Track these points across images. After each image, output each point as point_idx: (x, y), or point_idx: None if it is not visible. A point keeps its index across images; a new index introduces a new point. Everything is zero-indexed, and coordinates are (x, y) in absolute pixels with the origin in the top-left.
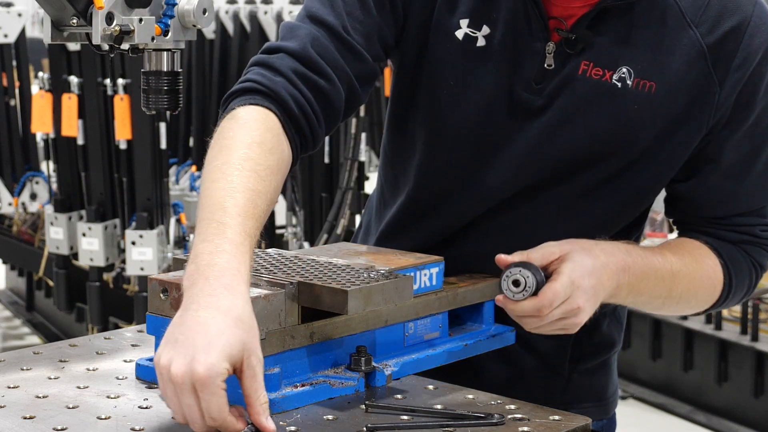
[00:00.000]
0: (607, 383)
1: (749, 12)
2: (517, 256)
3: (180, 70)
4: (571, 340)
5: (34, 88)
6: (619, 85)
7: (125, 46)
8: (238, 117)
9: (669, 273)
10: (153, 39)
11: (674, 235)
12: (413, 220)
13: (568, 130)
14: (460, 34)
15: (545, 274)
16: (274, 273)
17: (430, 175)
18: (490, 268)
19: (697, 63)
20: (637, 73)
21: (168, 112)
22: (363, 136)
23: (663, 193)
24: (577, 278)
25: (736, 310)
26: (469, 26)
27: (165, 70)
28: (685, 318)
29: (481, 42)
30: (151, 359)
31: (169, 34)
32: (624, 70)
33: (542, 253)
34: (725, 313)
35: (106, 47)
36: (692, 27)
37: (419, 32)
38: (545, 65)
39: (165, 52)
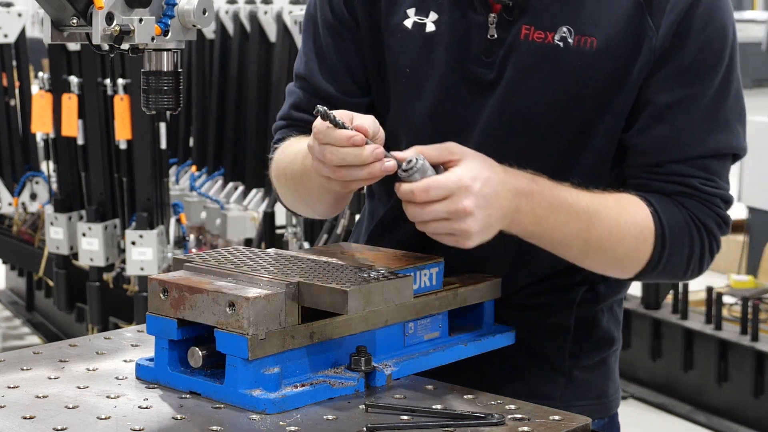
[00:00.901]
0: (607, 382)
1: None
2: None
3: (180, 70)
4: (570, 337)
5: (34, 88)
6: (562, 45)
7: (125, 46)
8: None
9: (584, 211)
10: (153, 39)
11: None
12: (401, 218)
13: (521, 97)
14: (408, 23)
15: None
16: (274, 273)
17: None
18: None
19: (634, 13)
20: (577, 31)
21: (168, 112)
22: None
23: None
24: (467, 179)
25: (736, 310)
26: (416, 14)
27: (165, 70)
28: (685, 318)
29: (430, 27)
30: (151, 359)
31: (169, 34)
32: (564, 29)
33: (440, 148)
34: (725, 312)
35: (106, 47)
36: None
37: (373, 34)
38: (488, 36)
39: (165, 52)
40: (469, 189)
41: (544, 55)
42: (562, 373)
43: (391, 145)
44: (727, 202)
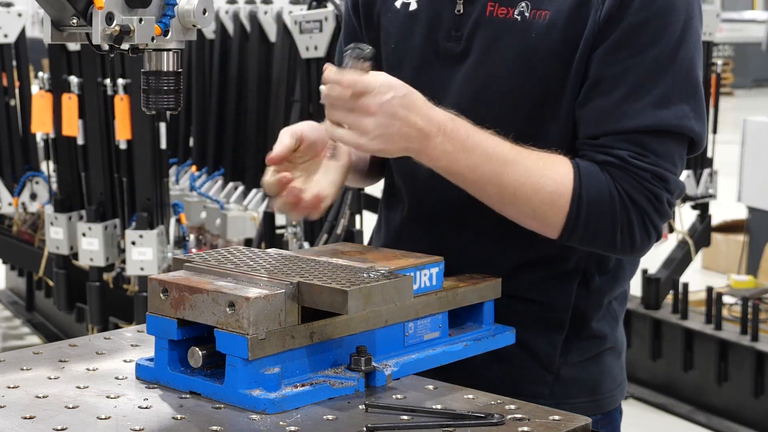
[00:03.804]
0: (601, 378)
1: None
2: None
3: (180, 70)
4: (564, 334)
5: (34, 88)
6: (519, 18)
7: (125, 46)
8: None
9: (499, 157)
10: (153, 39)
11: (674, 235)
12: (398, 197)
13: (486, 68)
14: (398, 4)
15: None
16: (274, 273)
17: None
18: (447, 215)
19: None
20: (533, 5)
21: (168, 112)
22: None
23: None
24: (385, 86)
25: (736, 310)
26: None
27: (165, 70)
28: (685, 318)
29: (413, 6)
30: (151, 359)
31: (169, 34)
32: (523, 4)
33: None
34: (725, 312)
35: (106, 47)
36: None
37: (372, 18)
38: (456, 12)
39: (165, 52)
40: (383, 95)
41: (505, 29)
42: (551, 370)
43: None
44: (663, 179)
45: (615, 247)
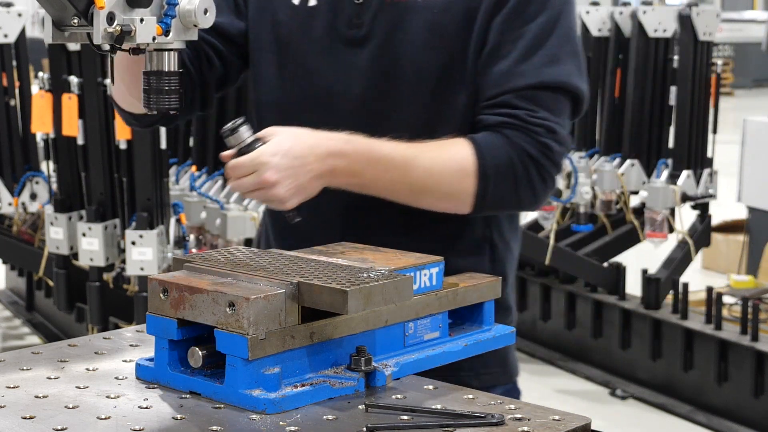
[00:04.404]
0: (507, 349)
1: None
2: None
3: (181, 70)
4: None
5: (34, 88)
6: (420, 0)
7: (126, 46)
8: None
9: (401, 158)
10: (154, 39)
11: (674, 235)
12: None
13: (389, 49)
14: (296, 1)
15: None
16: (274, 273)
17: None
18: (351, 208)
19: None
20: None
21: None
22: None
23: (655, 189)
24: (266, 155)
25: (736, 310)
26: None
27: (166, 70)
28: (685, 318)
29: (312, 2)
30: (151, 359)
31: (171, 33)
32: None
33: (262, 132)
34: (725, 312)
35: (107, 47)
36: None
37: (270, 13)
38: (355, 1)
39: (166, 52)
40: (269, 163)
41: (406, 11)
42: None
43: (272, 115)
44: (553, 132)
45: (521, 204)
